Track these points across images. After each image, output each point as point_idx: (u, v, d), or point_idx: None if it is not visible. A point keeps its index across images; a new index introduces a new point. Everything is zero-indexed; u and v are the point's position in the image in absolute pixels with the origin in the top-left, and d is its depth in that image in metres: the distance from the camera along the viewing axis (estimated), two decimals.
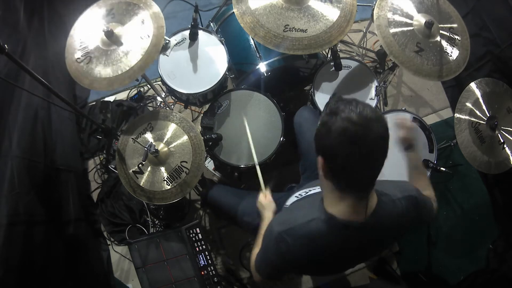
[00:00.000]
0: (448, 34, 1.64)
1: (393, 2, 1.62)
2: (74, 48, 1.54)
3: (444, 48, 1.61)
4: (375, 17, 1.58)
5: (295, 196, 1.29)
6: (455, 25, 1.67)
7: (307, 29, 1.54)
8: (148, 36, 1.50)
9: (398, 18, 1.60)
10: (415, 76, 1.55)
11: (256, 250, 1.20)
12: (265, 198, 1.41)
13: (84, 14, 1.60)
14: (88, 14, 1.60)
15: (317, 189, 1.24)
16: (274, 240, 1.00)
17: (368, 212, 0.94)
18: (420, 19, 1.60)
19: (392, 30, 1.57)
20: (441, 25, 1.64)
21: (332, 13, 1.57)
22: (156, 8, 1.56)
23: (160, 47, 1.50)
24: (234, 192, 1.66)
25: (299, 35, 1.53)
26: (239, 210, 1.54)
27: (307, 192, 1.26)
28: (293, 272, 1.13)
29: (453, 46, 1.63)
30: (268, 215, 1.34)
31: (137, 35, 1.51)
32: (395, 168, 1.76)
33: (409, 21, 1.60)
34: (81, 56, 1.51)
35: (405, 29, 1.58)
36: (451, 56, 1.61)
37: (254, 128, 1.79)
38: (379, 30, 1.56)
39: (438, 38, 1.61)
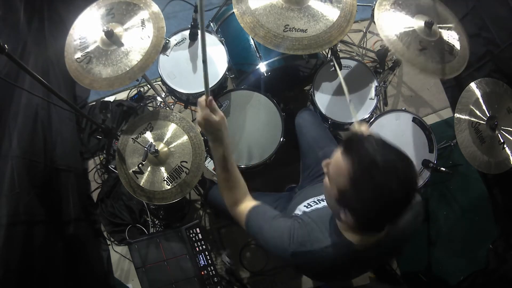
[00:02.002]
0: (447, 33, 1.64)
1: (393, 3, 1.62)
2: (73, 47, 1.54)
3: (445, 47, 1.61)
4: (376, 17, 1.57)
5: (304, 206, 1.22)
6: (451, 25, 1.68)
7: (307, 29, 1.54)
8: (148, 37, 1.50)
9: (399, 16, 1.59)
10: (421, 74, 1.54)
11: (237, 193, 1.12)
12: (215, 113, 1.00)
13: (84, 13, 1.60)
14: (87, 13, 1.60)
15: (313, 203, 1.22)
16: (290, 256, 0.97)
17: (384, 235, 0.94)
18: (419, 20, 1.60)
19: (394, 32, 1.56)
20: (440, 25, 1.64)
21: (332, 13, 1.57)
22: (156, 8, 1.56)
23: (160, 48, 1.50)
24: None
25: (299, 35, 1.53)
26: None
27: (317, 203, 1.21)
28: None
29: (453, 45, 1.63)
30: (220, 134, 1.03)
31: (137, 36, 1.51)
32: None
33: (409, 19, 1.60)
34: (81, 56, 1.51)
35: (406, 28, 1.58)
36: (452, 54, 1.61)
37: (254, 128, 1.79)
38: (381, 30, 1.55)
39: (439, 37, 1.61)
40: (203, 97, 0.98)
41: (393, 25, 1.57)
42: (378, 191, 0.77)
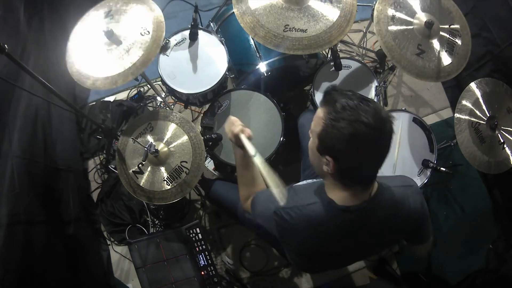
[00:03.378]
0: (448, 33, 1.65)
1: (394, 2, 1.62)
2: (75, 54, 1.54)
3: (445, 47, 1.61)
4: (375, 21, 1.57)
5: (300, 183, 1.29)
6: (456, 26, 1.67)
7: (307, 29, 1.54)
8: (148, 32, 1.50)
9: (399, 15, 1.59)
10: (417, 79, 1.56)
11: (252, 189, 1.23)
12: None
13: (83, 19, 1.59)
14: (87, 18, 1.59)
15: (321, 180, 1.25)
16: (273, 214, 1.02)
17: (368, 197, 0.96)
18: (421, 18, 1.60)
19: (392, 28, 1.56)
20: (442, 26, 1.64)
21: (332, 13, 1.57)
22: (153, 4, 1.56)
23: (160, 42, 1.50)
24: (236, 188, 1.65)
25: (299, 35, 1.53)
26: (240, 206, 1.54)
27: (312, 180, 1.27)
28: (291, 248, 1.12)
29: (454, 45, 1.63)
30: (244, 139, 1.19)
31: (137, 32, 1.51)
32: (396, 167, 1.77)
33: (410, 18, 1.60)
34: (84, 60, 1.51)
35: (405, 29, 1.58)
36: (452, 54, 1.61)
37: (254, 128, 1.79)
38: (379, 34, 1.55)
39: (439, 38, 1.61)
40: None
41: (391, 23, 1.57)
42: (353, 127, 0.83)
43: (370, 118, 0.83)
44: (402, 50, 1.55)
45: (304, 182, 1.26)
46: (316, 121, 0.93)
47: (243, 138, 1.19)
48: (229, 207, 1.58)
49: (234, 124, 1.23)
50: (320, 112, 0.93)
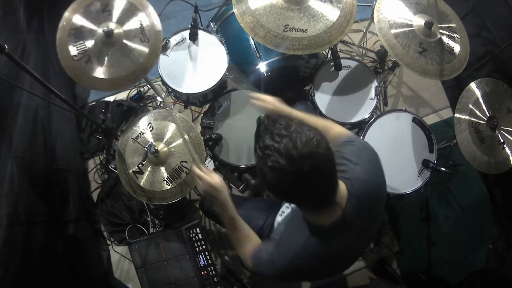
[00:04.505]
0: (447, 32, 1.65)
1: (392, 4, 1.62)
2: (67, 42, 1.48)
3: (446, 47, 1.61)
4: (375, 20, 1.58)
5: (279, 215, 1.29)
6: (453, 25, 1.68)
7: (307, 29, 1.54)
8: (148, 40, 1.49)
9: (398, 20, 1.59)
10: (421, 77, 1.55)
11: (249, 244, 1.15)
12: (211, 177, 1.14)
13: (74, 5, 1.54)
14: (80, 7, 1.54)
15: (285, 208, 1.27)
16: (288, 271, 1.01)
17: (344, 202, 0.95)
18: (419, 20, 1.60)
19: (393, 31, 1.57)
20: (440, 25, 1.64)
21: (332, 13, 1.57)
22: (152, 11, 1.54)
23: (159, 51, 1.49)
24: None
25: (299, 35, 1.53)
26: None
27: (287, 208, 1.25)
28: (310, 276, 1.13)
29: (454, 44, 1.63)
30: (224, 198, 1.15)
31: (137, 38, 1.50)
32: (396, 168, 1.77)
33: (409, 22, 1.60)
34: (78, 53, 1.47)
35: (406, 30, 1.58)
36: (453, 54, 1.61)
37: (254, 128, 1.78)
38: (381, 33, 1.55)
39: (439, 37, 1.61)
40: (195, 166, 1.13)
41: (392, 27, 1.57)
42: (271, 170, 0.81)
43: (282, 160, 0.79)
44: (405, 48, 1.55)
45: (280, 218, 1.24)
46: None
47: (226, 201, 1.14)
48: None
49: (195, 172, 1.15)
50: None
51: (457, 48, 1.63)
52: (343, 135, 1.17)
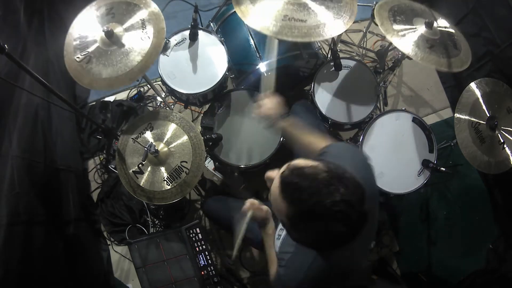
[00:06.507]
0: (446, 30, 1.65)
1: (391, 10, 1.62)
2: (73, 47, 1.52)
3: (449, 42, 1.61)
4: (382, 29, 1.56)
5: (276, 238, 1.30)
6: (448, 25, 1.68)
7: (306, 20, 1.49)
8: (149, 37, 1.50)
9: (399, 26, 1.59)
10: (437, 69, 1.54)
11: (273, 267, 1.24)
12: (262, 210, 1.29)
13: (83, 12, 1.58)
14: (87, 13, 1.58)
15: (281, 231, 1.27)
16: None
17: None
18: (418, 22, 1.60)
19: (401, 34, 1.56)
20: (438, 26, 1.65)
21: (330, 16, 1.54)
22: (156, 8, 1.56)
23: (160, 49, 1.49)
24: (233, 205, 1.57)
25: (298, 25, 1.46)
26: (236, 220, 1.48)
27: (283, 229, 1.25)
28: None
29: (455, 38, 1.64)
30: (271, 226, 1.31)
31: (138, 36, 1.51)
32: (396, 168, 1.77)
33: (409, 25, 1.60)
34: (81, 55, 1.50)
35: (410, 32, 1.58)
36: (457, 48, 1.61)
37: (254, 128, 1.79)
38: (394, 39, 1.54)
39: (440, 35, 1.61)
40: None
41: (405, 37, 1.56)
42: (315, 234, 0.80)
43: (342, 227, 0.76)
44: (416, 45, 1.53)
45: (280, 235, 1.25)
46: (276, 206, 0.85)
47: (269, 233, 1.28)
48: (228, 226, 1.49)
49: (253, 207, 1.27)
50: (279, 200, 0.82)
51: (459, 41, 1.64)
52: (324, 145, 1.17)
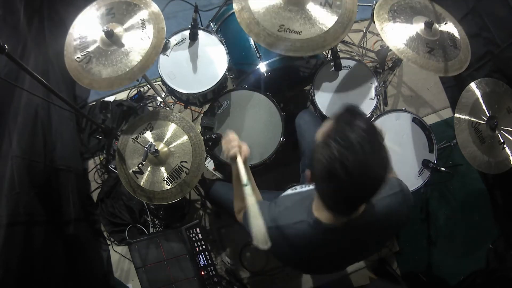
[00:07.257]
0: (446, 28, 1.66)
1: (390, 10, 1.62)
2: (73, 47, 1.53)
3: (449, 42, 1.61)
4: (379, 28, 1.56)
5: (290, 189, 1.27)
6: (447, 19, 1.69)
7: (301, 31, 1.51)
8: (149, 37, 1.50)
9: (398, 25, 1.59)
10: (437, 75, 1.55)
11: (240, 203, 1.23)
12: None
13: (83, 12, 1.59)
14: (87, 13, 1.59)
15: (311, 186, 1.23)
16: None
17: (355, 217, 0.94)
18: (419, 22, 1.60)
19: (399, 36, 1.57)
20: (438, 24, 1.65)
21: (328, 19, 1.54)
22: (156, 8, 1.56)
23: (160, 49, 1.50)
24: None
25: (293, 37, 1.50)
26: None
27: (302, 188, 1.24)
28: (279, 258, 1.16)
29: (455, 37, 1.64)
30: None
31: (138, 36, 1.51)
32: (396, 168, 1.76)
33: (409, 24, 1.60)
34: (81, 55, 1.51)
35: (410, 33, 1.58)
36: (456, 47, 1.61)
37: (254, 128, 1.79)
38: (388, 40, 1.55)
39: (440, 35, 1.62)
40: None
41: (398, 34, 1.57)
42: (330, 162, 0.79)
43: (350, 165, 0.76)
44: (414, 50, 1.54)
45: (291, 191, 1.23)
46: (322, 129, 0.88)
47: (239, 162, 1.19)
48: (229, 207, 1.56)
49: (231, 143, 1.23)
50: (329, 123, 0.87)
51: (458, 39, 1.64)
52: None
